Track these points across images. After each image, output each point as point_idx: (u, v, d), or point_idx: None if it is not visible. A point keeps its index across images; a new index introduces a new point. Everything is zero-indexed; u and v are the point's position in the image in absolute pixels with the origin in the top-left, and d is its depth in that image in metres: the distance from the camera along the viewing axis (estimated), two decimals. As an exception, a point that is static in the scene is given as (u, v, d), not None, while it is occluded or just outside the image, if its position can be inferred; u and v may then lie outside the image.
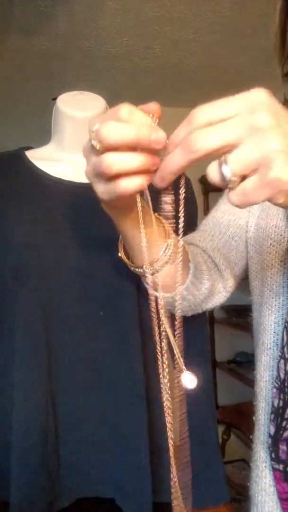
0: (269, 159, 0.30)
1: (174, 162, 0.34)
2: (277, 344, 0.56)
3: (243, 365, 2.73)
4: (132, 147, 0.35)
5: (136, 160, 0.35)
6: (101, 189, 0.39)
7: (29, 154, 0.76)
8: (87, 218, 0.68)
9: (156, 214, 0.47)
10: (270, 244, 0.58)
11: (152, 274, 0.52)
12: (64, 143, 0.76)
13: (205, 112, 0.32)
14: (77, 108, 0.74)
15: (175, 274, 0.49)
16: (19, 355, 0.65)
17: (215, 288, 0.65)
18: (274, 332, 0.56)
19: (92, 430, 0.67)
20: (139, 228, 0.43)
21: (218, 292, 0.66)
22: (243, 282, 0.70)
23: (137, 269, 0.54)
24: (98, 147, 0.35)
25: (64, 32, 1.96)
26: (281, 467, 0.53)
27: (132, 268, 0.55)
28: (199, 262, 0.62)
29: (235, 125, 0.31)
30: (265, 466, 0.56)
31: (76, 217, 0.69)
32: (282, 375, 0.53)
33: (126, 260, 0.55)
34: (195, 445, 0.71)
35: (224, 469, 0.76)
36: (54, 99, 0.77)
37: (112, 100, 0.88)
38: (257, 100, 0.31)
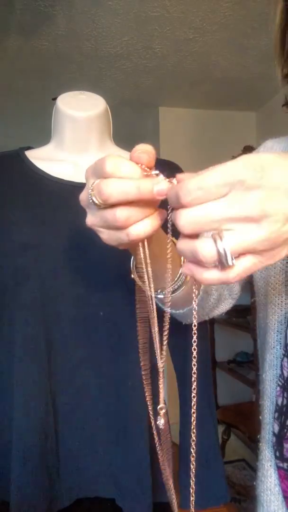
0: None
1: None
2: (280, 343, 0.56)
3: (243, 365, 2.73)
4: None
5: (146, 211, 0.36)
6: (107, 236, 0.38)
7: (29, 154, 0.76)
8: (87, 218, 0.68)
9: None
10: None
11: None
12: (64, 143, 0.76)
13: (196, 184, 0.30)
14: (77, 108, 0.74)
15: (186, 293, 0.51)
16: (19, 355, 0.65)
17: (222, 296, 0.66)
18: (277, 331, 0.57)
19: (92, 430, 0.67)
20: (155, 255, 0.43)
21: (224, 299, 0.67)
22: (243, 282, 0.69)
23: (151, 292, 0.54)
24: (99, 203, 0.35)
25: (64, 32, 1.96)
26: (285, 465, 0.53)
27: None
28: None
29: (227, 205, 0.30)
30: (270, 465, 0.56)
31: (76, 217, 0.69)
32: (285, 373, 0.53)
33: (140, 282, 0.54)
34: (195, 445, 0.71)
35: (224, 469, 0.76)
36: (54, 99, 0.77)
37: (113, 100, 0.88)
38: (242, 177, 0.29)
